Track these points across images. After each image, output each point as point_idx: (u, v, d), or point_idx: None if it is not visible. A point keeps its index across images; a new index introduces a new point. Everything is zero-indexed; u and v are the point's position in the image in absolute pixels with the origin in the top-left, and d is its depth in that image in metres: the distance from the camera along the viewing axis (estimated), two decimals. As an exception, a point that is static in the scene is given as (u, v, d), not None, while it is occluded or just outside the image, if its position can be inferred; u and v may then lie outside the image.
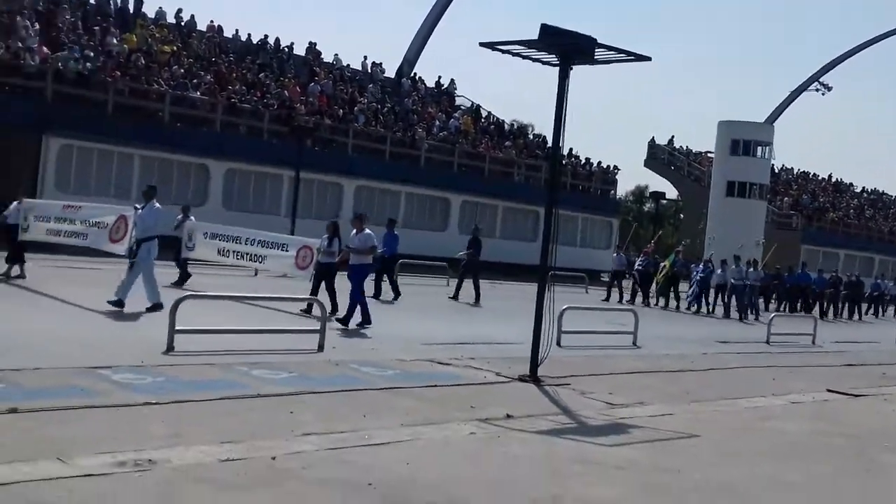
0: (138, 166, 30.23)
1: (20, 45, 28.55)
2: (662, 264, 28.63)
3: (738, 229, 46.05)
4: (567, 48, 10.57)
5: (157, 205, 14.46)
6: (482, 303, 21.66)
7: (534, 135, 51.66)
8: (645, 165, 64.17)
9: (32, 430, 6.55)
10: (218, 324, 11.89)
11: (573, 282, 29.94)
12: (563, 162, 40.07)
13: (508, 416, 8.52)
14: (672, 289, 28.19)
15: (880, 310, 37.92)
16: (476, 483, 6.21)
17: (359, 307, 14.62)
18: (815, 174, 69.94)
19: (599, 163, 47.18)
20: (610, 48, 10.58)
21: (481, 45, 11.00)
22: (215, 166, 32.26)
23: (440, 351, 12.52)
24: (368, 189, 36.38)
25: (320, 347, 11.68)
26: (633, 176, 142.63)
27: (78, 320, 12.77)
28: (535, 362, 10.81)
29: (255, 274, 21.14)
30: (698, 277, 27.69)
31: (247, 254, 18.13)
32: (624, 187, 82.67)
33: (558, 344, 13.31)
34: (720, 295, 28.28)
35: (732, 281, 27.71)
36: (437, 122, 41.80)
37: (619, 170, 47.60)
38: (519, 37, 10.53)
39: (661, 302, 28.01)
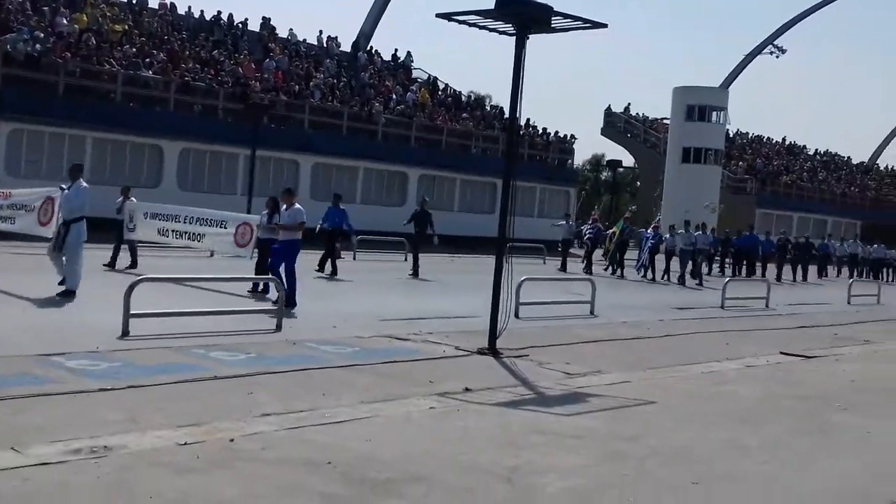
0: (91, 148, 29.79)
1: (-34, 28, 28.00)
2: (612, 230, 28.74)
3: (694, 195, 46.51)
4: (523, 17, 10.51)
5: (84, 184, 13.93)
6: (437, 277, 21.70)
7: (491, 106, 51.57)
8: (602, 134, 64.55)
9: (-15, 420, 6.47)
10: (174, 306, 11.80)
11: (531, 253, 30.06)
12: (521, 132, 40.09)
13: (467, 390, 8.57)
14: (621, 255, 28.24)
15: (826, 270, 38.30)
16: (435, 458, 6.24)
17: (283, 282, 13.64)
18: (769, 138, 70.70)
19: (556, 132, 47.25)
20: (566, 16, 10.56)
21: (437, 16, 10.93)
22: (169, 146, 31.87)
23: (398, 327, 12.53)
24: (325, 165, 36.19)
25: (278, 327, 11.63)
26: (591, 145, 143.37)
27: (27, 308, 12.42)
28: (493, 335, 10.86)
29: (211, 255, 20.97)
30: (649, 244, 27.80)
31: (186, 232, 17.73)
32: (581, 156, 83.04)
33: (516, 315, 13.38)
34: (669, 260, 28.25)
35: (681, 246, 27.68)
36: (394, 96, 41.59)
37: (575, 139, 47.68)
38: (476, 8, 10.45)
39: (619, 271, 28.03)
